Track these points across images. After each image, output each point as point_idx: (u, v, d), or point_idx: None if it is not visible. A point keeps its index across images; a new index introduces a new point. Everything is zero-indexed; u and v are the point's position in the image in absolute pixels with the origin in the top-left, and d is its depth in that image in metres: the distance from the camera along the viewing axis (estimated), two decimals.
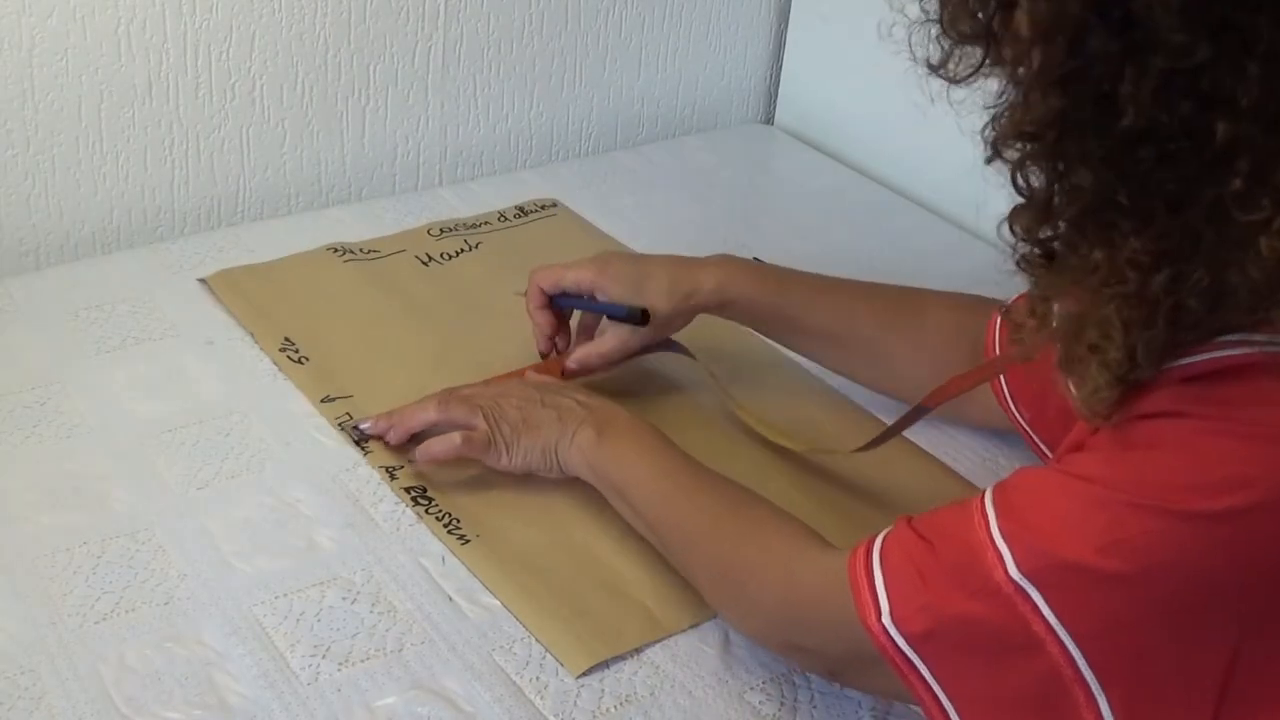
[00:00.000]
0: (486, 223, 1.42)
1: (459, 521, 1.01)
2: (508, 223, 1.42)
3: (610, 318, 1.12)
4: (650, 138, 1.69)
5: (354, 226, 1.38)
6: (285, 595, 0.93)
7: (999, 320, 1.04)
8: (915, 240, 1.46)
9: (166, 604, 0.92)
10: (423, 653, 0.90)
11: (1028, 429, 1.03)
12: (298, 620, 0.91)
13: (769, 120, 1.77)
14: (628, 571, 0.97)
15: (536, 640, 0.92)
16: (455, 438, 1.01)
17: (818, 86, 1.68)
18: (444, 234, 1.38)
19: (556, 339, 1.15)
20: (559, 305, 1.14)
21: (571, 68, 1.59)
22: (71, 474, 1.02)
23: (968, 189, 1.51)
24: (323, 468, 1.05)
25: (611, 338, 1.12)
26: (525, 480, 1.04)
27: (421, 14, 1.44)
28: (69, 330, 1.19)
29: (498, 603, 0.94)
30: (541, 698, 0.87)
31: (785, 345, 1.18)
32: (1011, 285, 1.27)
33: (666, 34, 1.64)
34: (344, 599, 0.93)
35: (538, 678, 0.89)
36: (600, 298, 1.11)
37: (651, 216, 1.46)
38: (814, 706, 0.89)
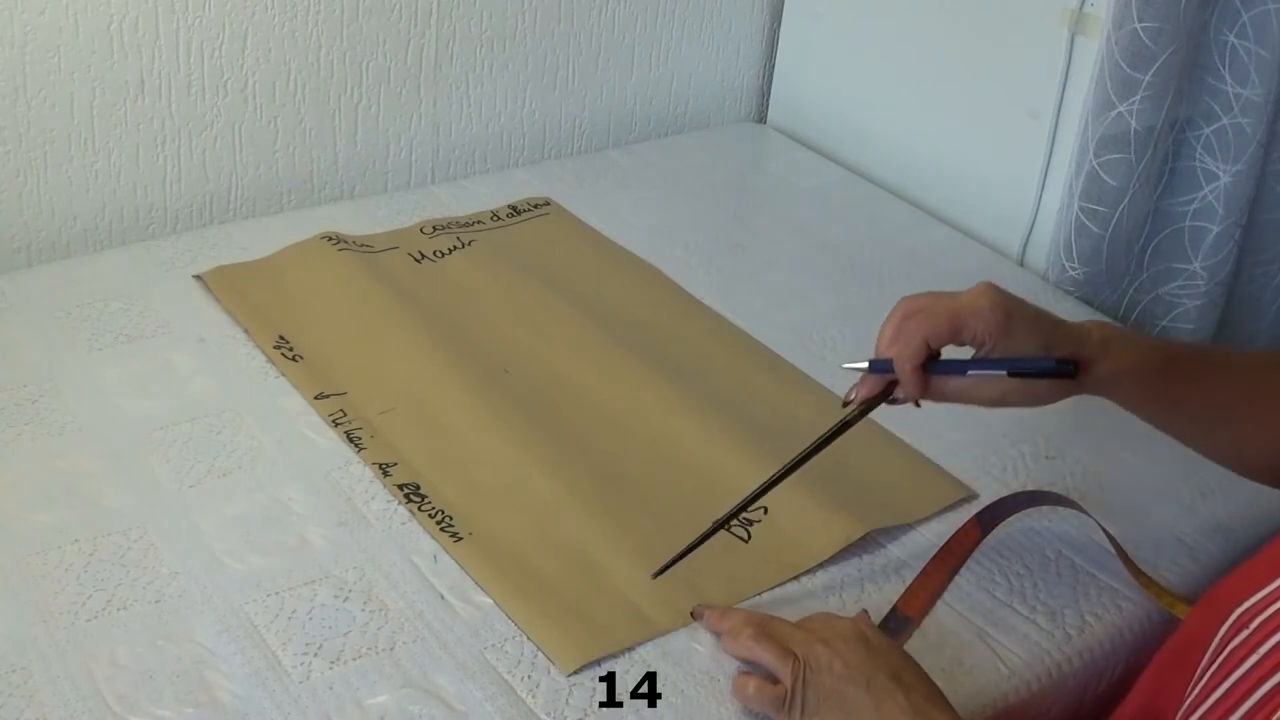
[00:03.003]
0: (479, 221, 1.42)
1: (452, 519, 1.01)
2: (501, 221, 1.42)
3: (1023, 375, 0.90)
4: (643, 136, 1.69)
5: (346, 224, 1.38)
6: (277, 593, 0.93)
7: None
8: (907, 239, 1.47)
9: (158, 602, 0.92)
10: (415, 651, 0.90)
11: None
12: (289, 618, 0.91)
13: (761, 119, 1.78)
14: (620, 570, 0.97)
15: (528, 638, 0.92)
16: (749, 687, 0.86)
17: (810, 85, 1.68)
18: (437, 232, 1.38)
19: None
20: (935, 370, 0.91)
21: (564, 66, 1.59)
22: (63, 472, 1.02)
23: (959, 188, 1.52)
24: (315, 465, 1.05)
25: (990, 386, 0.91)
26: (518, 478, 1.05)
27: (414, 11, 1.44)
28: (61, 328, 1.18)
29: (490, 601, 0.94)
30: (533, 696, 0.87)
31: (1156, 424, 0.98)
32: (1011, 287, 1.27)
33: (659, 32, 1.64)
34: (336, 597, 0.93)
35: (529, 676, 0.89)
36: (990, 353, 0.91)
37: (644, 215, 1.46)
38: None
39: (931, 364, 0.91)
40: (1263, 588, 0.76)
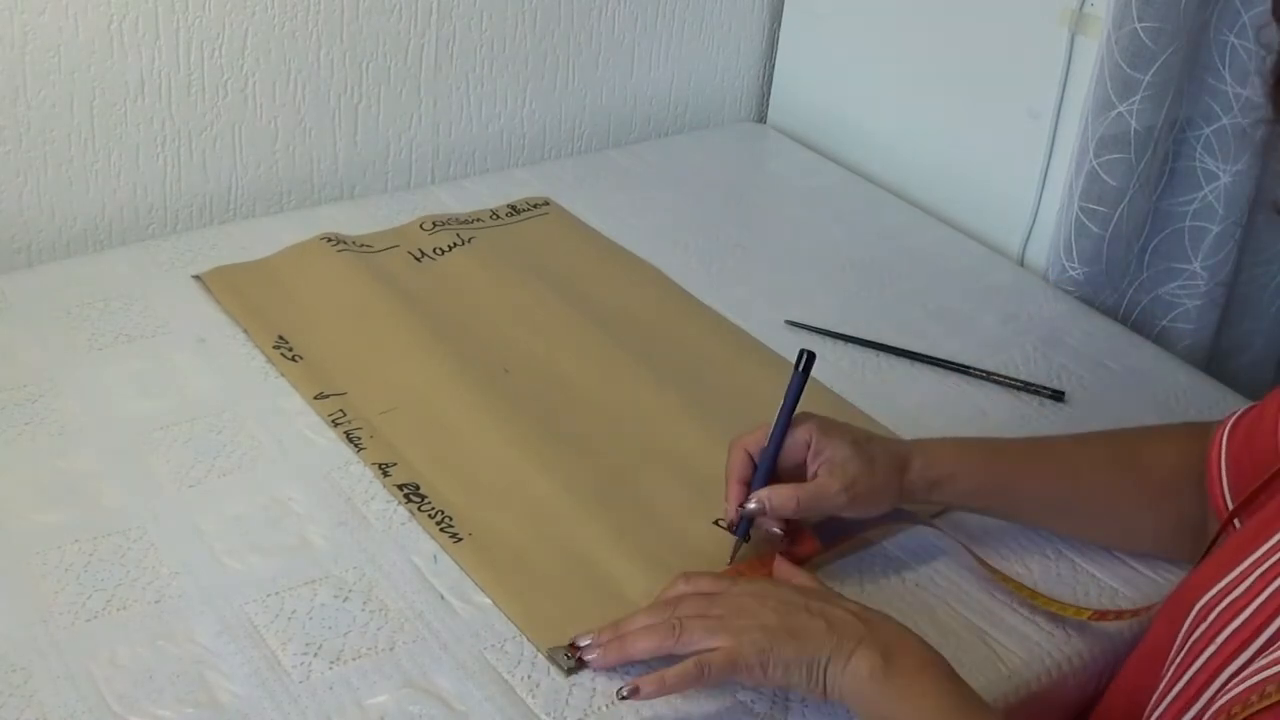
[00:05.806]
0: (479, 220, 1.42)
1: (451, 520, 1.01)
2: (500, 220, 1.42)
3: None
4: (643, 136, 1.69)
5: (346, 224, 1.38)
6: (277, 593, 0.93)
7: (1222, 441, 0.95)
8: (908, 239, 1.47)
9: (158, 602, 0.92)
10: (414, 651, 0.90)
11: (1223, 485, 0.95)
12: (289, 618, 0.91)
13: (761, 119, 1.77)
14: (621, 571, 0.97)
15: (528, 639, 0.92)
16: (691, 668, 0.83)
17: (810, 85, 1.68)
18: (436, 228, 1.38)
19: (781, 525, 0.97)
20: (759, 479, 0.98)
21: (564, 66, 1.59)
22: (63, 471, 1.02)
23: (959, 188, 1.52)
24: (315, 466, 1.05)
25: (818, 485, 0.95)
26: (518, 478, 1.05)
27: (414, 11, 1.44)
28: (61, 327, 1.18)
29: (490, 601, 0.94)
30: (533, 696, 0.87)
31: (1005, 518, 1.03)
32: (1012, 287, 1.27)
33: (659, 32, 1.64)
34: (336, 597, 0.93)
35: (529, 676, 0.89)
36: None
37: (644, 215, 1.46)
38: (805, 706, 0.89)
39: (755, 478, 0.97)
40: (1219, 580, 0.77)
